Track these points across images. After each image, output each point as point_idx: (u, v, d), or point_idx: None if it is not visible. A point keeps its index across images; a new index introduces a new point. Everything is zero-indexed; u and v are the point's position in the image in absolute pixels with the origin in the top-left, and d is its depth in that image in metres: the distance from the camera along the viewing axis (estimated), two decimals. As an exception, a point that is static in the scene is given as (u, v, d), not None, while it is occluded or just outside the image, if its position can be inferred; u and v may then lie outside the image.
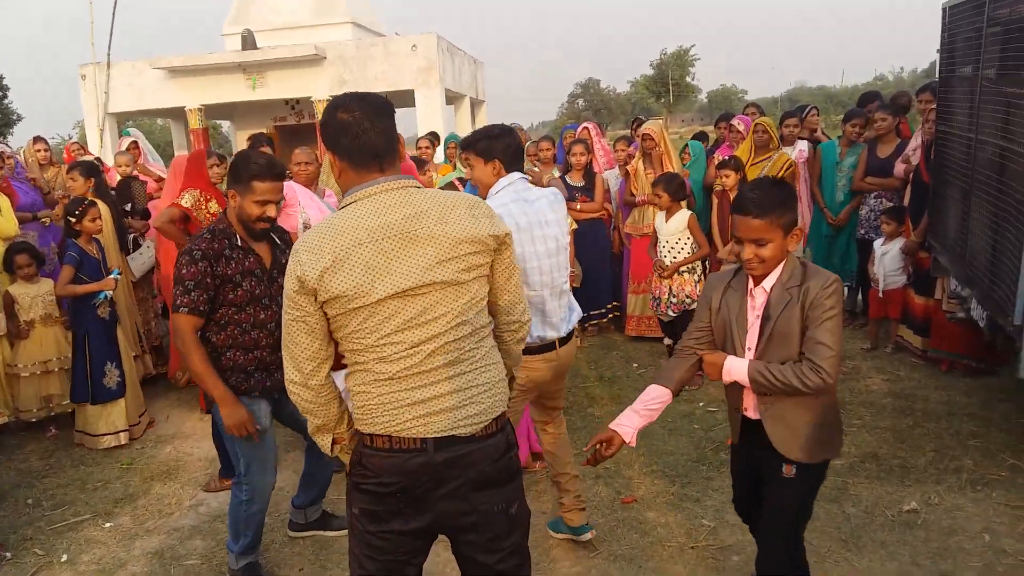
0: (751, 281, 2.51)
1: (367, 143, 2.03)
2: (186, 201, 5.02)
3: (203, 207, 5.07)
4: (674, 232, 5.71)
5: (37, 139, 7.37)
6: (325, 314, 2.02)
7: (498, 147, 3.13)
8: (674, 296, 5.68)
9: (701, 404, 5.16)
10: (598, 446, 2.59)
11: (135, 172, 7.04)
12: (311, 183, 5.28)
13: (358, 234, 1.97)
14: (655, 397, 2.63)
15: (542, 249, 3.13)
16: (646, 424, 2.62)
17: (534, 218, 3.11)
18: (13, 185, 6.08)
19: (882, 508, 3.71)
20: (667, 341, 6.01)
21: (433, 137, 8.61)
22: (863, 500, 3.80)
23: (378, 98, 2.12)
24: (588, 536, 3.57)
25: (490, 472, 2.11)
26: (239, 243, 3.17)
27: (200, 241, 3.12)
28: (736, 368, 2.48)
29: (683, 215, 5.72)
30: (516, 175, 3.16)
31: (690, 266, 5.74)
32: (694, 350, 2.67)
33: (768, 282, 2.46)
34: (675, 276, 5.71)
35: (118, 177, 7.00)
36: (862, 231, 6.37)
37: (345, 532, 3.65)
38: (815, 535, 3.50)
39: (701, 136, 8.72)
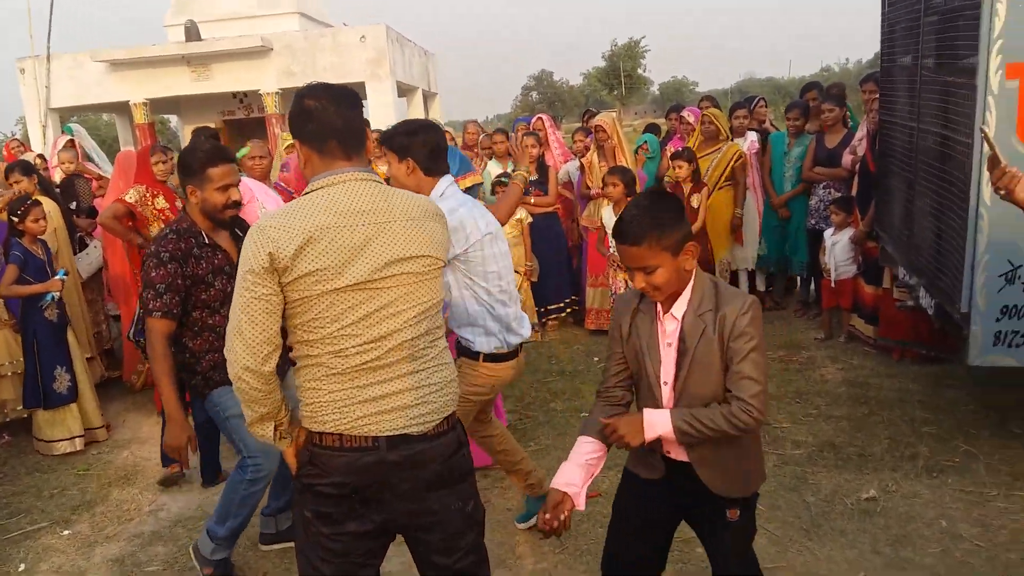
0: (659, 306, 2.25)
1: (332, 128, 2.03)
2: (131, 197, 4.91)
3: (149, 203, 4.96)
4: None
5: None
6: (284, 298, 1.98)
7: (413, 144, 2.96)
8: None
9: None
10: (550, 517, 2.26)
11: (78, 170, 6.84)
12: (265, 177, 5.20)
13: (331, 216, 1.96)
14: (590, 452, 2.36)
15: (498, 252, 3.09)
16: (591, 479, 2.37)
17: (491, 224, 3.08)
18: None
19: (841, 496, 3.80)
20: None
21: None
22: (822, 489, 3.88)
23: (345, 88, 2.13)
24: None
25: (442, 471, 2.11)
26: (206, 240, 3.12)
27: (166, 242, 3.05)
28: (659, 422, 2.17)
29: None
30: (449, 178, 3.06)
31: None
32: (618, 388, 2.39)
33: (679, 308, 2.20)
34: (623, 271, 5.69)
35: (58, 175, 6.80)
36: (812, 221, 6.49)
37: None
38: (776, 525, 3.57)
39: (653, 128, 8.76)
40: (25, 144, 8.58)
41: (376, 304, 1.99)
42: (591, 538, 3.61)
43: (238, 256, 3.11)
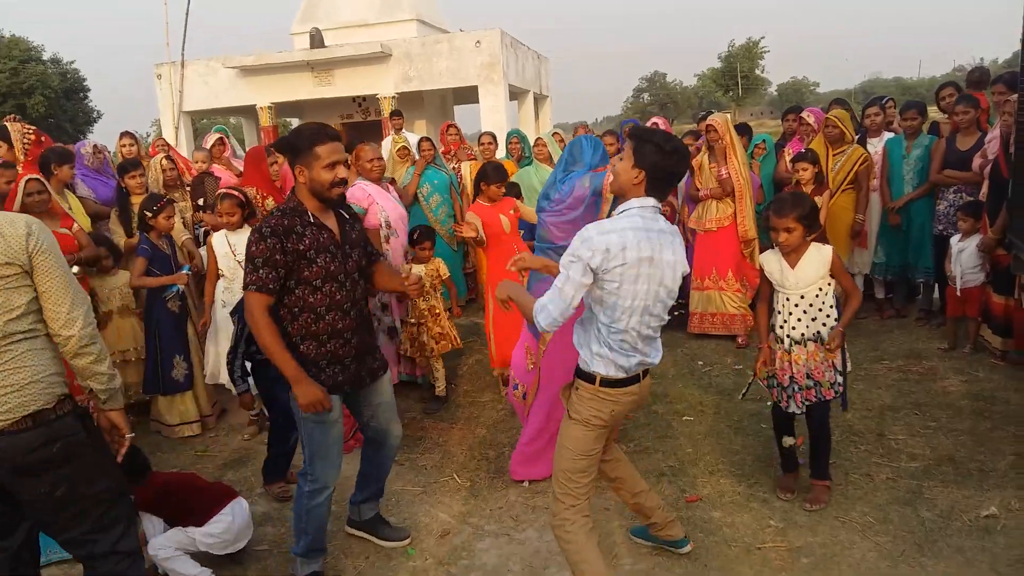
0: None
1: None
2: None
3: (259, 204, 5.18)
4: (812, 281, 3.67)
5: (124, 134, 7.53)
6: None
7: (654, 162, 2.78)
8: (810, 379, 3.69)
9: (769, 403, 5.05)
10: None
11: (211, 168, 7.19)
12: (380, 179, 5.36)
13: None
14: None
15: (643, 289, 2.77)
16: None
17: (646, 254, 2.74)
18: (96, 180, 6.31)
19: (959, 513, 3.59)
20: (787, 441, 3.92)
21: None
22: (939, 504, 3.68)
23: None
24: (688, 548, 3.45)
25: (24, 463, 2.37)
26: (311, 219, 3.10)
27: (270, 218, 3.08)
28: None
29: (821, 255, 3.68)
30: (651, 201, 2.83)
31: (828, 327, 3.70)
32: None
33: None
34: (802, 347, 3.70)
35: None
36: (940, 227, 6.16)
37: (399, 543, 3.70)
38: (887, 538, 3.41)
39: (743, 128, 8.18)
40: (168, 144, 9.05)
41: None
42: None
43: (341, 235, 3.17)
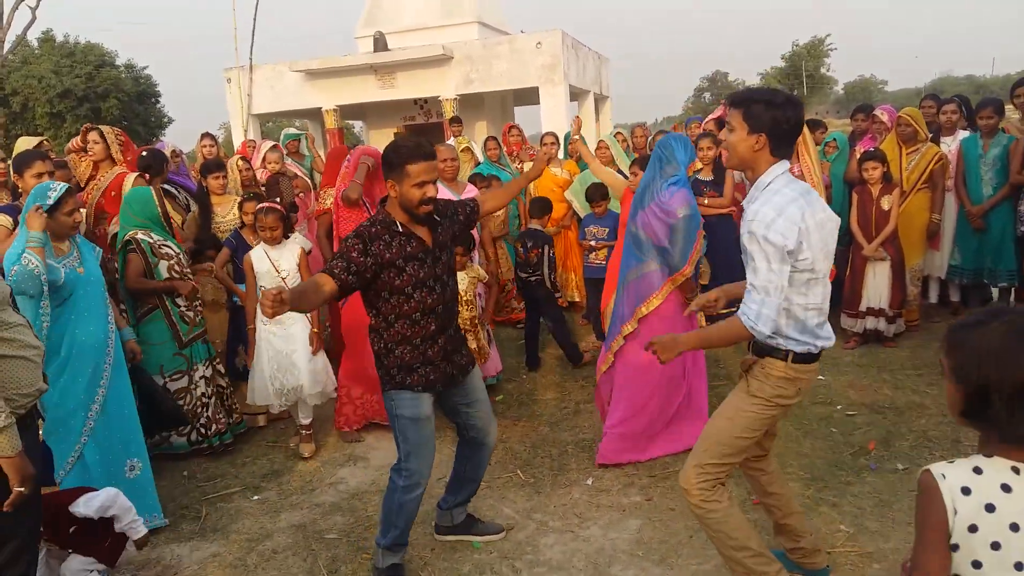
0: None
1: None
2: (330, 203, 5.24)
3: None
4: None
5: (205, 135, 7.71)
6: None
7: (772, 119, 2.57)
8: None
9: (839, 407, 4.97)
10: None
11: (283, 168, 7.28)
12: (454, 179, 5.43)
13: None
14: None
15: (828, 251, 2.66)
16: None
17: (817, 216, 2.60)
18: (176, 181, 6.53)
19: None
20: None
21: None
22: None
23: None
24: None
25: None
26: (399, 229, 3.15)
27: (361, 225, 3.18)
28: None
29: None
30: (786, 165, 2.64)
31: None
32: None
33: None
34: None
35: (262, 175, 7.34)
36: (1022, 228, 5.94)
37: (494, 537, 3.71)
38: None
39: (814, 123, 7.87)
40: (255, 145, 9.21)
41: None
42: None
43: (431, 240, 3.22)
